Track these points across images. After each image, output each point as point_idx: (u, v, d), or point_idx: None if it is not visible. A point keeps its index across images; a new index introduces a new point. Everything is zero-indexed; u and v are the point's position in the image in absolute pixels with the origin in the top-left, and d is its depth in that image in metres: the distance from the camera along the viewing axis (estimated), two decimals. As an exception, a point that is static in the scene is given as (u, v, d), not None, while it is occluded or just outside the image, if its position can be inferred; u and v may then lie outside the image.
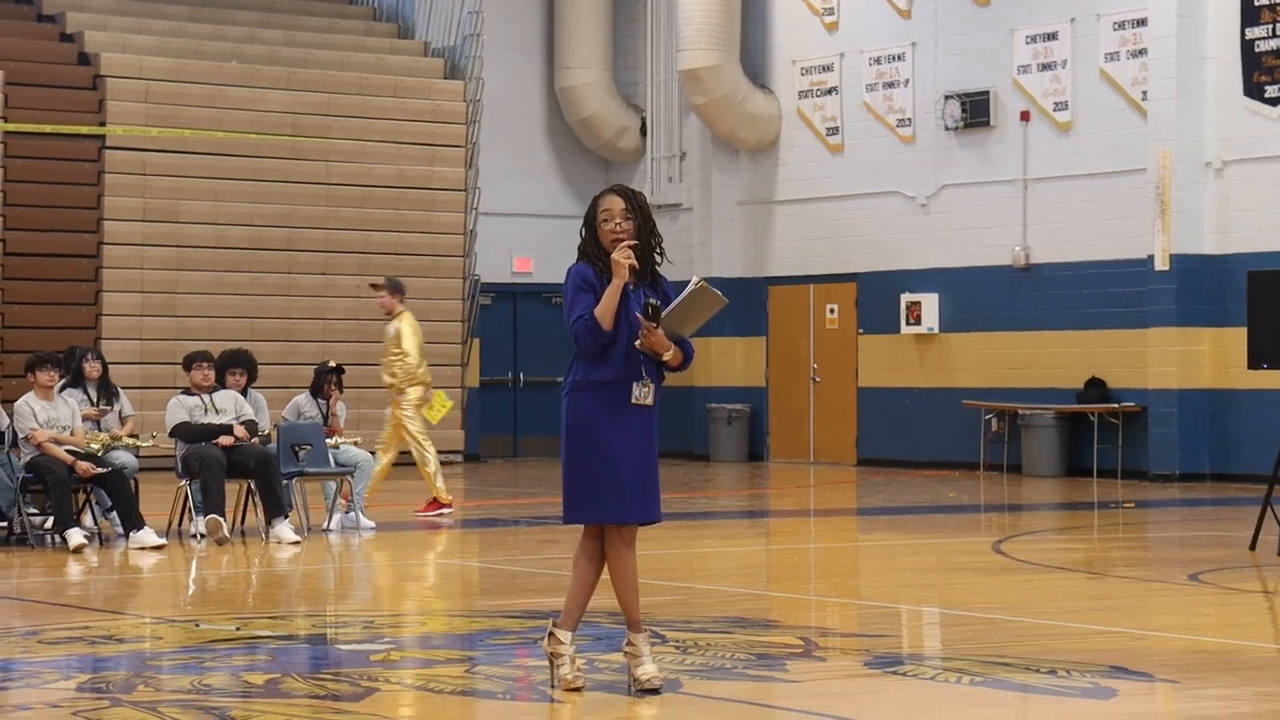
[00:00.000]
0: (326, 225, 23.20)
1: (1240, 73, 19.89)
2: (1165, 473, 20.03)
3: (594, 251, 7.21)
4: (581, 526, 7.34)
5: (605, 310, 7.08)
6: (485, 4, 24.49)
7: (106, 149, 22.15)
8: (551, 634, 7.28)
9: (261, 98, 22.99)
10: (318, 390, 14.79)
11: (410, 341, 15.59)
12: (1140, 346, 20.41)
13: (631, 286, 7.16)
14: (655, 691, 7.13)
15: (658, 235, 7.32)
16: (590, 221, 7.25)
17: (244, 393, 14.11)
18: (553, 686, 7.24)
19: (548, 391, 26.10)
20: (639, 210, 7.24)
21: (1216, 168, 20.02)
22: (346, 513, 14.33)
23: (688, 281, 7.27)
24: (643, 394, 7.16)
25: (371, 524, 14.34)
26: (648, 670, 7.19)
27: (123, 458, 13.47)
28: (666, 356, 7.17)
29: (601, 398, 7.15)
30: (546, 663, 7.32)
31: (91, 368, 14.05)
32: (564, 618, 7.28)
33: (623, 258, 7.09)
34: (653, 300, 7.10)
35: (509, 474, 22.74)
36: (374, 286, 16.31)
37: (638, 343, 7.12)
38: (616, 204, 7.21)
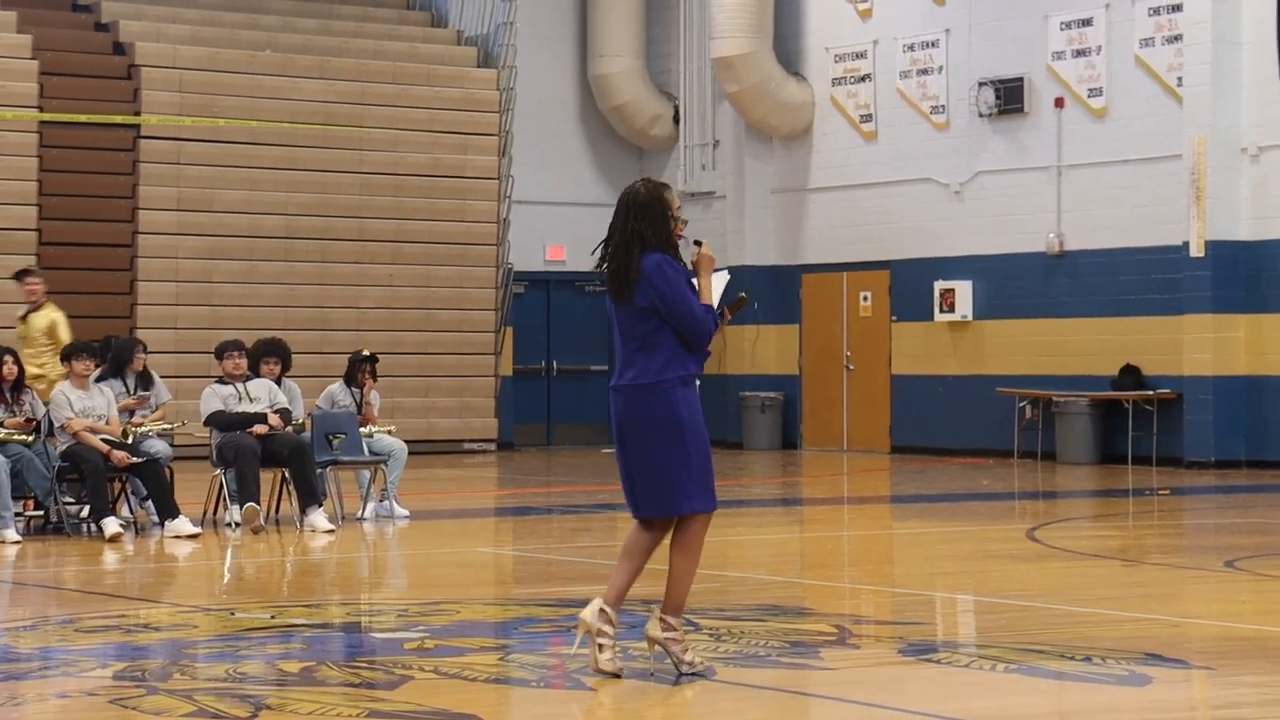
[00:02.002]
0: (360, 214, 23.24)
1: (1276, 58, 19.74)
2: (1201, 460, 19.96)
3: (670, 245, 7.38)
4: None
5: (711, 304, 7.35)
6: (518, -8, 24.51)
7: (141, 138, 22.22)
8: (603, 610, 7.33)
9: (295, 87, 23.05)
10: (351, 379, 14.82)
11: (65, 332, 15.40)
12: (1175, 333, 20.33)
13: None
14: (700, 676, 7.26)
15: None
16: (667, 213, 7.39)
17: (278, 381, 14.15)
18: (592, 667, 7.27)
19: (581, 380, 26.12)
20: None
21: (1252, 154, 19.91)
22: (381, 501, 14.35)
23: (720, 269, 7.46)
24: (698, 384, 7.46)
25: (405, 513, 14.37)
26: (693, 656, 7.34)
27: (156, 446, 13.52)
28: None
29: (692, 389, 7.40)
30: (585, 640, 7.34)
31: (139, 360, 14.13)
32: (616, 597, 7.40)
33: (712, 253, 7.42)
34: (745, 295, 7.48)
35: (542, 462, 22.78)
36: (25, 273, 16.01)
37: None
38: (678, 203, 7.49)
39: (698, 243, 7.51)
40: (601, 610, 7.35)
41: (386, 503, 14.35)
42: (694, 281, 7.41)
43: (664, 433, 7.31)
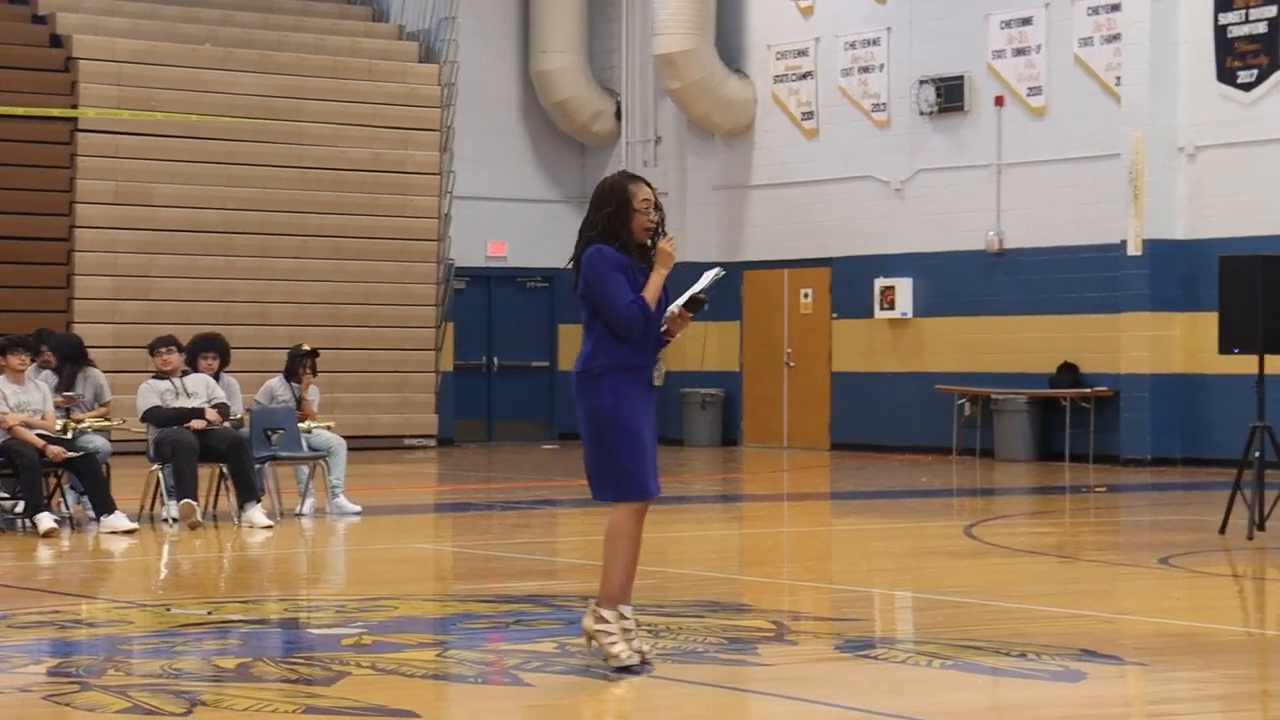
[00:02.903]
0: (300, 209, 23.14)
1: (1213, 58, 19.93)
2: (1137, 457, 20.10)
3: (622, 235, 7.40)
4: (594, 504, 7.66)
5: (654, 298, 7.39)
6: (460, -13, 24.45)
7: (79, 132, 22.07)
8: (618, 612, 7.36)
9: (235, 81, 22.92)
10: (291, 374, 14.75)
11: None
12: (1113, 331, 20.47)
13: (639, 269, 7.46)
14: (629, 670, 7.27)
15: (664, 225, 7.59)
16: (624, 206, 7.39)
17: (216, 377, 14.07)
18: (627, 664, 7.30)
19: (522, 376, 26.10)
20: (659, 202, 7.56)
21: (1189, 153, 20.07)
22: (333, 499, 14.28)
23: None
24: (660, 376, 7.65)
25: (357, 508, 14.31)
26: (622, 649, 7.34)
27: (95, 442, 13.43)
28: (676, 337, 7.53)
29: (632, 379, 7.40)
30: (592, 642, 7.41)
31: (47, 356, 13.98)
32: (621, 593, 7.41)
33: (672, 249, 7.43)
34: (699, 294, 7.41)
35: (483, 459, 22.74)
36: None
37: (663, 328, 7.42)
38: (651, 195, 7.49)
39: (660, 234, 7.46)
40: (596, 614, 7.44)
41: (338, 500, 14.29)
42: (653, 274, 7.42)
43: (588, 419, 7.43)
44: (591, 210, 7.48)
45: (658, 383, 7.51)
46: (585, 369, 7.44)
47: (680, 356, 24.36)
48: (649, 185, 7.53)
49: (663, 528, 14.06)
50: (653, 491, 7.43)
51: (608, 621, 7.37)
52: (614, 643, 7.34)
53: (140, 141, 22.31)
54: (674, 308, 7.42)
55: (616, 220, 7.40)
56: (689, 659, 7.66)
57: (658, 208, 7.50)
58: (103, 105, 22.10)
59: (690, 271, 8.29)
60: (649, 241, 7.43)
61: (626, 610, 7.46)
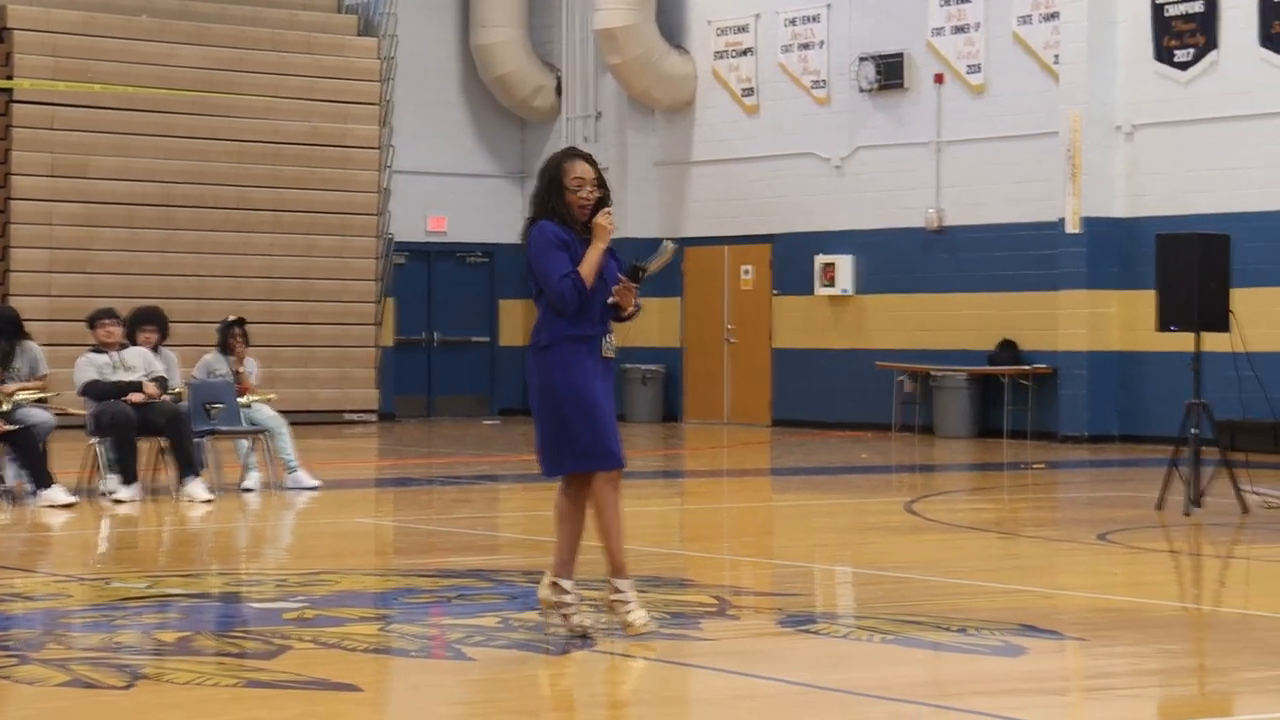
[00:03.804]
0: (239, 183, 23.01)
1: (1151, 37, 20.06)
2: (1075, 434, 20.25)
3: (560, 213, 7.45)
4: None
5: (589, 271, 7.40)
6: (400, -40, 24.33)
7: (14, 103, 21.86)
8: (555, 584, 7.52)
9: (172, 53, 22.76)
10: (224, 347, 14.67)
11: None
12: (1051, 309, 20.60)
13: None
14: (647, 635, 7.39)
15: (609, 200, 7.59)
16: (555, 184, 7.44)
17: (155, 350, 13.98)
18: (565, 639, 7.42)
19: (463, 351, 26.05)
20: (602, 179, 7.54)
21: (1126, 131, 20.19)
22: (290, 473, 14.22)
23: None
24: (609, 347, 7.55)
25: (315, 482, 14.25)
26: (640, 616, 7.44)
27: (36, 415, 13.30)
28: (628, 313, 7.54)
29: (580, 351, 7.45)
30: (544, 614, 7.57)
31: None
32: (562, 567, 7.55)
33: (609, 224, 7.44)
34: (640, 264, 7.48)
35: (423, 434, 22.69)
36: None
37: (611, 300, 7.46)
38: (588, 172, 7.49)
39: (604, 209, 7.49)
40: (553, 584, 7.54)
41: (296, 474, 14.24)
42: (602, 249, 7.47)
43: (540, 392, 7.52)
44: (535, 187, 7.56)
45: (608, 354, 7.52)
46: (534, 343, 7.53)
47: (619, 332, 24.33)
48: (589, 162, 7.52)
49: (604, 503, 14.06)
50: (620, 460, 7.48)
51: (622, 591, 7.48)
52: (630, 610, 7.44)
53: (76, 113, 22.12)
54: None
55: (550, 197, 7.46)
56: (625, 633, 7.66)
57: (602, 184, 7.50)
58: (38, 76, 21.89)
59: (633, 248, 8.30)
60: (586, 218, 7.44)
61: (568, 584, 7.51)
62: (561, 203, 7.44)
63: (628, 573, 7.55)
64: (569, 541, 7.61)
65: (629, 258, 7.61)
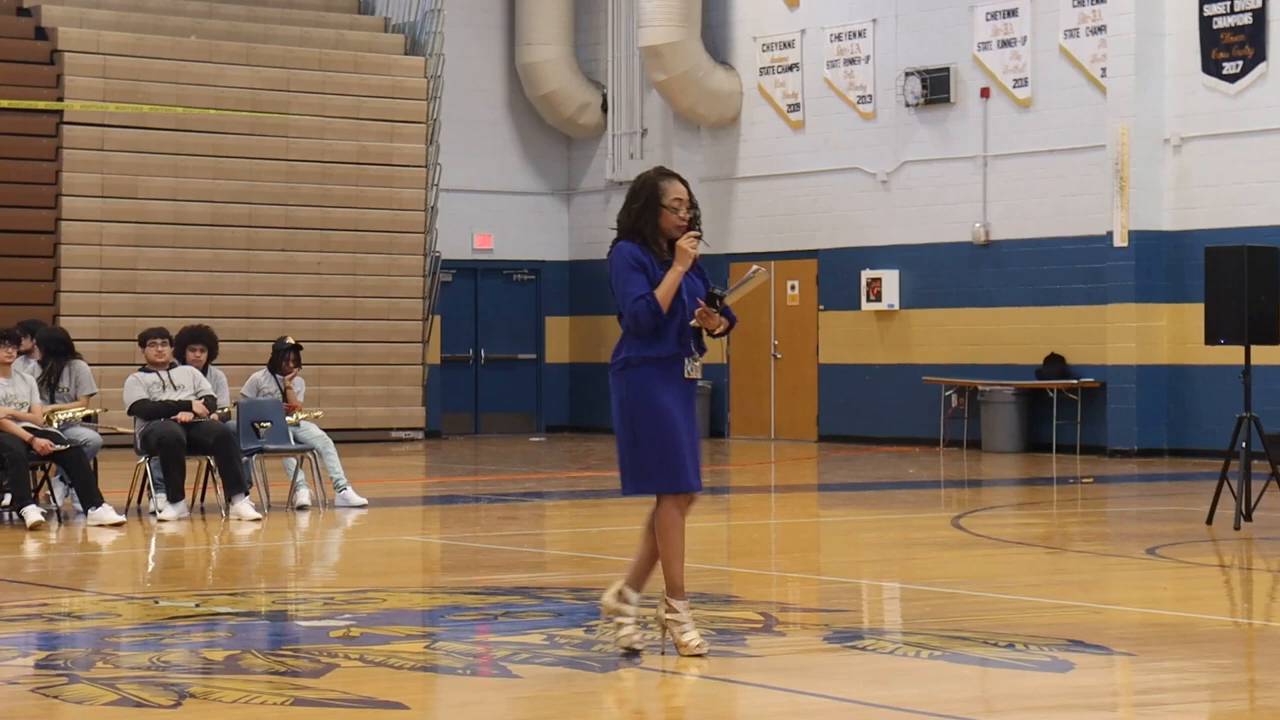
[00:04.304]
0: (287, 202, 23.13)
1: (1199, 49, 19.97)
2: (1124, 448, 20.14)
3: (650, 232, 7.47)
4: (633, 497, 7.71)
5: (666, 293, 7.41)
6: (446, -21, 24.43)
7: (65, 124, 22.02)
8: (621, 592, 7.59)
9: (221, 73, 22.90)
10: (277, 366, 14.74)
11: None
12: (1099, 323, 20.51)
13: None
14: (700, 657, 7.38)
15: (700, 221, 7.62)
16: (652, 203, 7.46)
17: (204, 369, 14.06)
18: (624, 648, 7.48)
19: (508, 368, 26.10)
20: (694, 200, 7.57)
21: (1175, 144, 20.10)
22: (340, 492, 14.27)
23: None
24: (693, 369, 7.54)
25: (363, 500, 14.30)
26: (694, 637, 7.46)
27: (85, 434, 13.40)
28: (719, 331, 7.53)
29: (657, 372, 7.47)
30: (603, 619, 7.65)
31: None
32: (635, 579, 7.62)
33: (691, 247, 7.44)
34: (717, 290, 7.47)
35: (470, 451, 22.73)
36: None
37: (694, 321, 7.47)
38: (684, 193, 7.52)
39: (694, 230, 7.51)
40: (620, 591, 7.58)
41: (346, 492, 14.29)
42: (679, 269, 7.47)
43: (617, 411, 7.54)
44: (625, 205, 7.58)
45: (691, 375, 7.51)
46: (613, 362, 7.57)
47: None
48: (683, 182, 7.57)
49: (650, 519, 14.06)
50: (690, 484, 7.48)
51: (677, 612, 7.49)
52: (684, 631, 7.45)
53: (126, 134, 22.28)
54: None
55: (645, 216, 7.47)
56: (677, 650, 7.65)
57: (693, 205, 7.53)
58: (88, 98, 22.06)
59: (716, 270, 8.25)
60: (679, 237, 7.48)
61: (633, 597, 7.57)
62: (656, 223, 7.46)
63: (684, 595, 7.55)
64: (646, 556, 7.63)
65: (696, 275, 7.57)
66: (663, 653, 7.53)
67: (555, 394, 26.25)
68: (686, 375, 7.50)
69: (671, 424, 7.43)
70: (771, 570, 11.21)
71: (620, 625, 7.53)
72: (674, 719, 6.71)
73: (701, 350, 7.58)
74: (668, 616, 7.52)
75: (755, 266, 7.75)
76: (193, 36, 23.17)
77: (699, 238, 7.47)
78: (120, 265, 22.17)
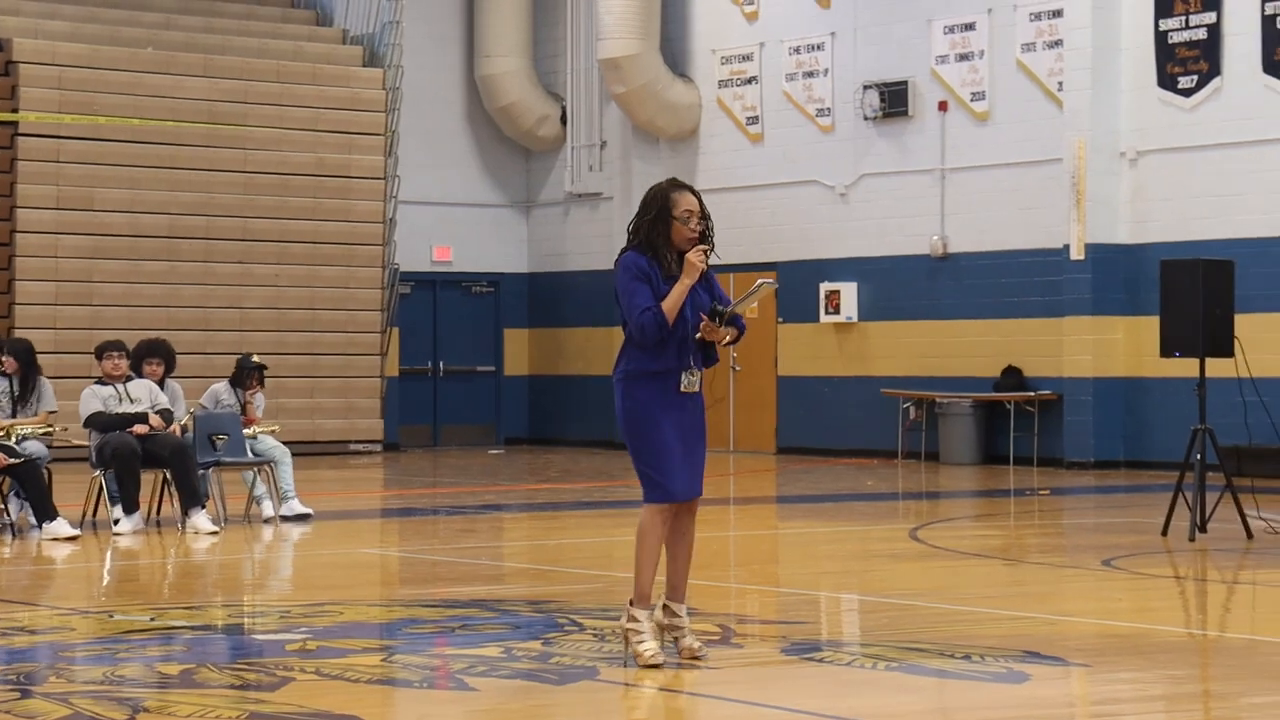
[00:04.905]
0: (244, 214, 23.05)
1: (1154, 64, 20.09)
2: (1080, 460, 20.22)
3: (659, 243, 7.51)
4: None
5: (673, 306, 7.48)
6: (404, -9, 24.41)
7: (20, 136, 21.91)
8: (665, 607, 7.60)
9: (178, 85, 22.81)
10: (238, 381, 14.67)
11: None
12: (1056, 335, 20.60)
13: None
14: (656, 668, 7.41)
15: (712, 234, 7.65)
16: (663, 214, 7.49)
17: (161, 383, 13.99)
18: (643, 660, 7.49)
19: (467, 380, 26.06)
20: (705, 211, 7.62)
21: (1131, 158, 20.21)
22: (285, 502, 14.21)
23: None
24: (690, 383, 7.61)
25: (308, 510, 14.24)
26: (649, 648, 7.48)
27: (33, 447, 13.31)
28: (726, 341, 7.60)
29: (653, 386, 7.54)
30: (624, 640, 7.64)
31: (8, 362, 13.78)
32: (671, 590, 7.64)
33: (699, 261, 7.48)
34: (720, 307, 7.53)
35: (429, 463, 22.69)
36: None
37: (698, 335, 7.53)
38: (695, 204, 7.58)
39: (707, 242, 7.54)
40: (664, 606, 7.60)
41: (291, 502, 14.23)
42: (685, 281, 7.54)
43: (619, 421, 7.65)
44: (636, 215, 7.60)
45: (688, 389, 7.57)
46: (614, 373, 7.65)
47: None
48: (694, 193, 7.61)
49: (609, 531, 14.07)
50: (673, 495, 7.54)
51: (638, 620, 7.52)
52: (641, 640, 7.47)
53: (82, 146, 22.17)
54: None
55: (656, 228, 7.51)
56: (635, 662, 7.65)
57: (705, 217, 7.56)
58: (44, 109, 21.95)
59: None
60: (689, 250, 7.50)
61: (680, 609, 7.60)
62: (667, 234, 7.48)
63: (650, 605, 7.56)
64: (674, 565, 7.68)
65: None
66: (625, 664, 7.53)
67: (514, 406, 26.22)
68: (682, 389, 7.57)
69: (659, 438, 7.50)
70: (730, 582, 11.21)
71: (678, 639, 7.56)
72: (631, 731, 6.71)
73: (711, 362, 7.65)
74: (628, 626, 7.54)
75: (761, 279, 7.79)
76: (150, 48, 23.08)
77: (708, 251, 7.50)
78: (76, 278, 22.06)
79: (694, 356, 7.57)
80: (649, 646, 7.47)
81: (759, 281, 7.72)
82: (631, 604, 7.56)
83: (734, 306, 7.56)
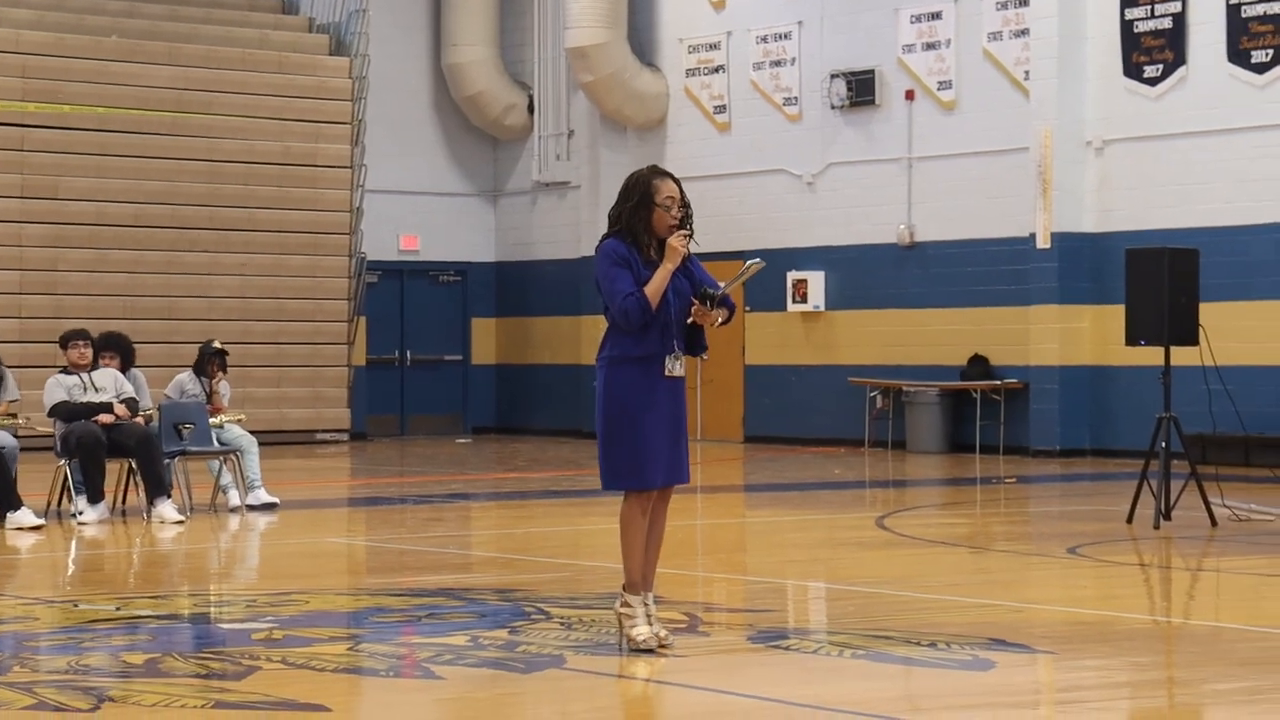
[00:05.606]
0: (211, 203, 22.96)
1: (1120, 53, 20.14)
2: (1046, 448, 20.28)
3: (640, 230, 7.52)
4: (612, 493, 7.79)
5: (656, 291, 7.47)
6: (371, -20, 24.34)
7: (-16, 124, 21.80)
8: (641, 597, 7.63)
9: (144, 73, 22.71)
10: (201, 369, 14.63)
11: None
12: (1022, 324, 20.65)
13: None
14: (650, 652, 7.45)
15: (692, 220, 7.64)
16: (644, 201, 7.50)
17: (124, 372, 13.92)
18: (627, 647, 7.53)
19: (435, 370, 26.02)
20: (686, 198, 7.62)
21: (1097, 147, 20.26)
22: (251, 491, 14.16)
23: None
24: (674, 367, 7.59)
25: (274, 499, 14.20)
26: (642, 632, 7.52)
27: (1, 438, 13.24)
28: (719, 322, 7.59)
29: (638, 370, 7.53)
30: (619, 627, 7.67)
31: None
32: (643, 580, 7.64)
33: (680, 246, 7.48)
34: (708, 290, 7.52)
35: (396, 453, 22.65)
36: None
37: (689, 320, 7.53)
38: (676, 191, 7.58)
39: (687, 229, 7.53)
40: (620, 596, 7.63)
41: (257, 491, 14.18)
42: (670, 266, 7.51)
43: (597, 407, 7.61)
44: (617, 203, 7.62)
45: (673, 373, 7.56)
46: (597, 358, 7.65)
47: (592, 349, 24.34)
48: (675, 181, 7.61)
49: (576, 520, 14.08)
50: (652, 482, 7.56)
51: (630, 606, 7.56)
52: (634, 624, 7.52)
53: (47, 135, 22.06)
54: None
55: (638, 214, 7.52)
56: (601, 651, 7.66)
57: (685, 204, 7.57)
58: (8, 98, 21.83)
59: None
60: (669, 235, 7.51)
61: (648, 598, 7.63)
62: (648, 221, 7.49)
63: (640, 590, 7.61)
64: (644, 554, 7.69)
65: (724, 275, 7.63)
66: (620, 648, 7.53)
67: (482, 395, 26.19)
68: (667, 373, 7.56)
69: (639, 425, 7.50)
70: (697, 571, 11.22)
71: (632, 626, 7.55)
72: (596, 719, 6.71)
73: (699, 350, 7.65)
74: (621, 610, 7.60)
75: (750, 260, 7.78)
76: (114, 36, 22.97)
77: (689, 236, 7.51)
78: (40, 267, 21.95)
79: (678, 341, 7.57)
80: (642, 630, 7.51)
81: (748, 262, 7.72)
82: (624, 589, 7.59)
83: (725, 288, 7.58)
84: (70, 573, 11.25)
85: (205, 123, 22.96)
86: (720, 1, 23.74)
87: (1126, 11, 20.07)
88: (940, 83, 21.63)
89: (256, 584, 10.80)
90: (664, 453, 7.57)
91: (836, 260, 22.57)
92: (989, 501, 16.32)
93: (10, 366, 14.25)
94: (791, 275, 22.81)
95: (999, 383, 20.86)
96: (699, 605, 9.38)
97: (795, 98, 22.93)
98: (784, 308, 22.95)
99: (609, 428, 7.55)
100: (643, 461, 7.52)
